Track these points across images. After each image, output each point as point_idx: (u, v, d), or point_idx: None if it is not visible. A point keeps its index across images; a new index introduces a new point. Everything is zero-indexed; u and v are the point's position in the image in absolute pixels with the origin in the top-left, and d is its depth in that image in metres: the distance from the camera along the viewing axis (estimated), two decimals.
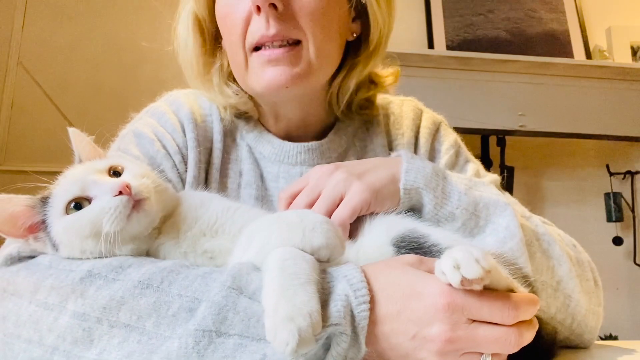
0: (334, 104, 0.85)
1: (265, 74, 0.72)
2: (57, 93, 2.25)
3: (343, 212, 0.61)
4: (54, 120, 2.22)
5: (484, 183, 0.70)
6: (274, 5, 0.69)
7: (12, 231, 0.55)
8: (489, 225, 0.65)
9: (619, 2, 2.64)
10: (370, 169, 0.66)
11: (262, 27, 0.70)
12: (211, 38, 0.82)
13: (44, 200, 0.55)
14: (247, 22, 0.72)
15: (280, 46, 0.71)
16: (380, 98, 0.93)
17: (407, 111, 0.90)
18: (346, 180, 0.63)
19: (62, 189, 0.55)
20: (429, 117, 0.91)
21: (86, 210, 0.52)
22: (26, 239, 0.56)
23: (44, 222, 0.55)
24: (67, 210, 0.53)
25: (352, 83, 0.81)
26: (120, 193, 0.52)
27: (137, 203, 0.52)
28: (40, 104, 2.23)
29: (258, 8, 0.69)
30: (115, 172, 0.57)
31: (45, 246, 0.55)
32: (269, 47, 0.72)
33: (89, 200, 0.53)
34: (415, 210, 0.66)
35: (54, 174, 0.57)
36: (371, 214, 0.63)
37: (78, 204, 0.53)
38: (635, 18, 2.62)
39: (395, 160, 0.68)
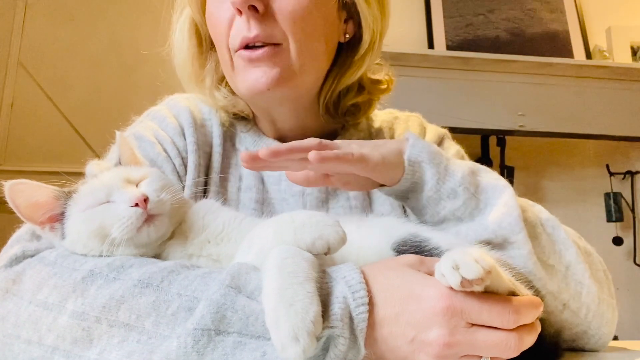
0: (331, 108, 0.84)
1: (247, 76, 0.73)
2: (57, 93, 2.25)
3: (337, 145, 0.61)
4: (54, 120, 2.22)
5: (486, 169, 0.71)
6: (254, 7, 0.69)
7: (33, 217, 0.56)
8: (488, 207, 0.65)
9: (619, 2, 2.64)
10: (379, 143, 0.66)
11: (243, 28, 0.71)
12: (207, 42, 0.83)
13: (69, 195, 0.56)
14: (231, 24, 0.73)
15: (264, 45, 0.71)
16: (386, 113, 0.94)
17: (413, 127, 0.91)
18: (358, 143, 0.65)
19: (90, 190, 0.56)
20: (432, 129, 0.92)
21: (100, 209, 0.54)
22: (42, 227, 0.57)
23: (62, 213, 0.56)
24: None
25: (343, 85, 0.81)
26: (137, 205, 0.53)
27: (150, 217, 0.54)
28: (40, 104, 2.23)
29: (239, 10, 0.69)
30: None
31: (56, 237, 0.56)
32: (251, 48, 0.72)
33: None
34: (416, 192, 0.66)
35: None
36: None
37: None
38: (635, 18, 2.62)
39: (403, 139, 0.68)
